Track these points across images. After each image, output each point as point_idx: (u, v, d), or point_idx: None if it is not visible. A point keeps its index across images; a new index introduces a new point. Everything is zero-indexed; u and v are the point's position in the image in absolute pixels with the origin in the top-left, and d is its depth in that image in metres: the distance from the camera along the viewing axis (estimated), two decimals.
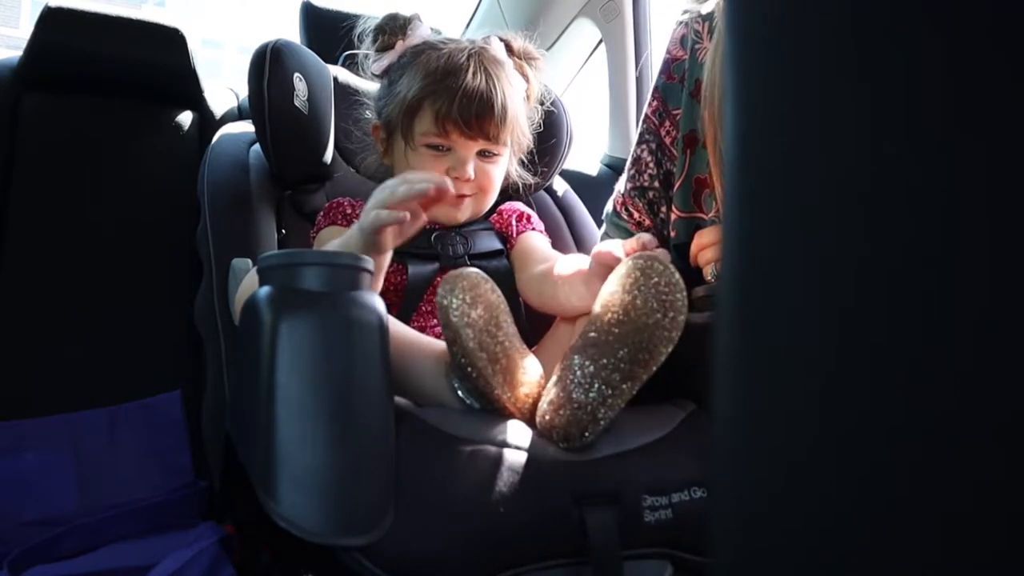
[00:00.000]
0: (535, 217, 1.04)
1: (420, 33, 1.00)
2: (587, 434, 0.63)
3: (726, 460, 0.23)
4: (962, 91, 0.18)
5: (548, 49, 1.57)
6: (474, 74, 0.90)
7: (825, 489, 0.20)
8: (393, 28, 1.01)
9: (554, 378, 0.67)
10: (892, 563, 0.19)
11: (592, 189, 1.30)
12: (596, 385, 0.63)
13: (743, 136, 0.22)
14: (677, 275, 0.64)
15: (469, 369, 0.65)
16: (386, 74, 1.00)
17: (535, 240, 1.00)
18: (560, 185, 1.24)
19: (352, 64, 1.10)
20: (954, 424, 0.18)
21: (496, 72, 0.92)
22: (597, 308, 0.67)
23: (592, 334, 0.65)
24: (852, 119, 0.19)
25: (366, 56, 1.03)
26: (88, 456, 1.06)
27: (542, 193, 1.20)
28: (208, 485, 1.07)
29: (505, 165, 0.98)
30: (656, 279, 0.64)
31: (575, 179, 1.32)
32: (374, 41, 1.02)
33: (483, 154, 0.94)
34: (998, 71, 0.17)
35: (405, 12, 1.02)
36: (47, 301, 1.18)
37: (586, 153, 1.59)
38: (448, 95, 0.88)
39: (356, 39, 1.05)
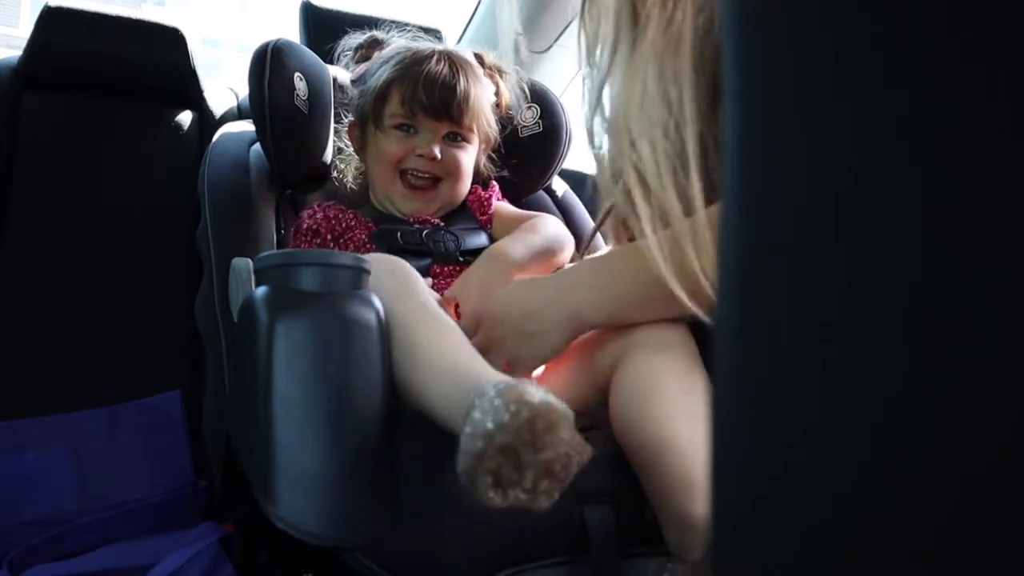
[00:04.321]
0: (496, 192, 1.08)
1: (396, 43, 1.07)
2: None
3: (725, 459, 0.23)
4: (960, 97, 0.18)
5: (548, 49, 1.57)
6: (438, 62, 0.97)
7: (823, 488, 0.20)
8: (371, 43, 1.10)
9: None
10: (891, 561, 0.19)
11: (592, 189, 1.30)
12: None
13: (743, 136, 0.22)
14: None
15: None
16: (361, 80, 1.05)
17: (504, 210, 1.05)
18: (560, 185, 1.24)
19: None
20: (952, 421, 0.18)
21: (460, 64, 0.98)
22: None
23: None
24: (850, 120, 0.19)
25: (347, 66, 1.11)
26: (88, 456, 1.06)
27: (542, 193, 1.21)
28: (208, 485, 1.07)
29: (473, 154, 1.02)
30: None
31: (575, 179, 1.32)
32: (353, 57, 1.11)
33: (451, 138, 0.98)
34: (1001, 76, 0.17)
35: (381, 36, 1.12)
36: (47, 301, 1.18)
37: (586, 153, 1.58)
38: (413, 78, 0.95)
39: (335, 59, 1.13)
